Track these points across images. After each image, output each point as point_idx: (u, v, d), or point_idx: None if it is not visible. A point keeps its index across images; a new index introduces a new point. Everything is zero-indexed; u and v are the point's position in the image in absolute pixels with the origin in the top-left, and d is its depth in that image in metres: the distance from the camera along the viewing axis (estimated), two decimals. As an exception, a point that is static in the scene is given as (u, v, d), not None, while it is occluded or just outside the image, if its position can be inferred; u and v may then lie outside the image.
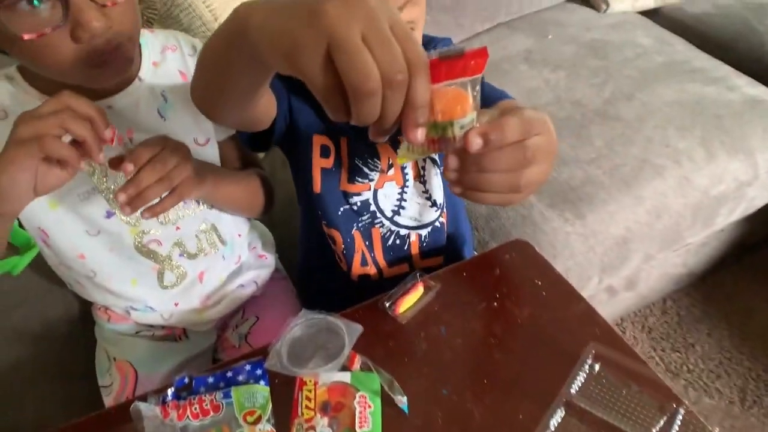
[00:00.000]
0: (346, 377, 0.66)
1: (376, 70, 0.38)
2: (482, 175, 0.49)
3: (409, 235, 0.88)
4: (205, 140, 0.86)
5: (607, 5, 1.78)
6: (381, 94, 0.39)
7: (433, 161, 0.85)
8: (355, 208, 0.85)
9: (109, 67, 0.68)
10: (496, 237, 1.15)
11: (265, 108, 0.71)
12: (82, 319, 1.03)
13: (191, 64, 0.83)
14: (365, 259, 0.88)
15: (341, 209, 0.85)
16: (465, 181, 0.50)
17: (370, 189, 0.84)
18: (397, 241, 0.88)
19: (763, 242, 1.74)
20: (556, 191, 1.17)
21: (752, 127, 1.35)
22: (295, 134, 0.81)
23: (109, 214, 0.81)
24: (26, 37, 0.60)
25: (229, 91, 0.56)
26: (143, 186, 0.65)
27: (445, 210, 0.88)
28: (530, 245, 0.83)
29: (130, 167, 0.65)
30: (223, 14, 1.14)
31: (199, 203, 0.88)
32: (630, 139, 1.27)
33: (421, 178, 0.86)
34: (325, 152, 0.82)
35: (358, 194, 0.85)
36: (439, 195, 0.87)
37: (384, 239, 0.88)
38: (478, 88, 0.48)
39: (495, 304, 0.75)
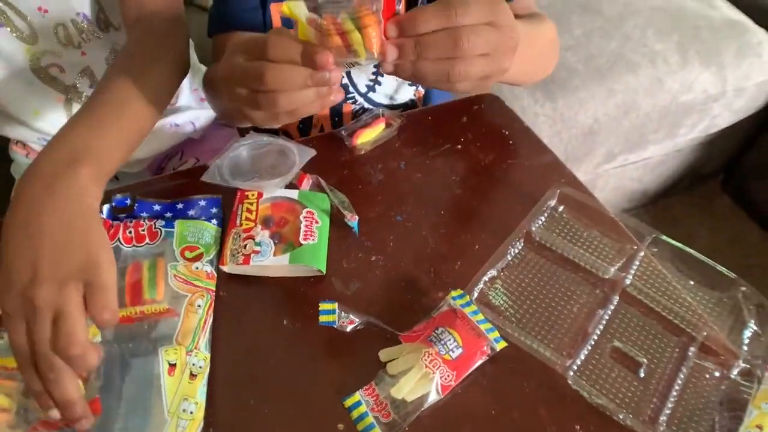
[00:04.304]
0: (293, 194, 0.61)
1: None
2: (414, 62, 0.46)
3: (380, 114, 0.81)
4: None
5: None
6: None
7: None
8: None
9: None
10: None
11: None
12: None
13: None
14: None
15: None
16: (400, 69, 0.47)
17: None
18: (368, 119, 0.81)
19: (714, 175, 1.78)
20: (528, 75, 1.12)
21: (727, 44, 1.33)
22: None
23: None
24: None
25: None
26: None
27: (420, 87, 0.81)
28: (500, 99, 0.78)
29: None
30: None
31: (106, 27, 0.76)
32: (609, 33, 1.22)
33: None
34: (287, 24, 0.71)
35: None
36: None
37: (355, 117, 0.80)
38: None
39: (459, 146, 0.70)
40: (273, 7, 0.72)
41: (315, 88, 0.46)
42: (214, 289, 0.55)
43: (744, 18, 1.41)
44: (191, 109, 0.90)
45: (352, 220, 0.58)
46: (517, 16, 0.50)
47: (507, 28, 0.46)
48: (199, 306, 0.52)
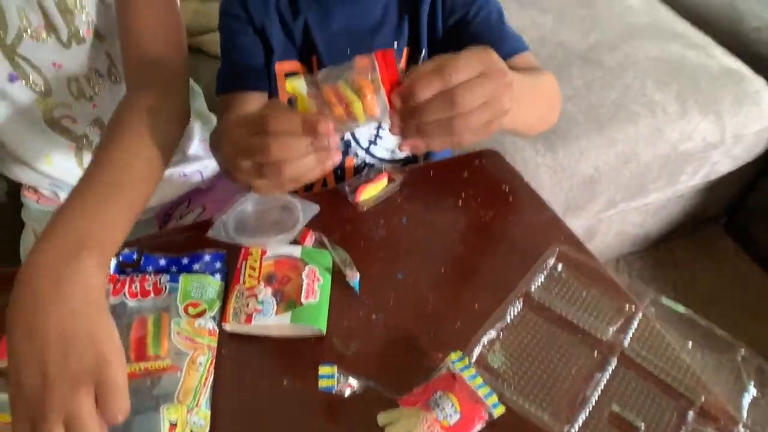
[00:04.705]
0: (296, 251, 0.62)
1: None
2: (418, 125, 0.49)
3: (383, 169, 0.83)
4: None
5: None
6: None
7: None
8: None
9: None
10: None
11: None
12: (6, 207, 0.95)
13: None
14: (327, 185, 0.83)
15: None
16: (406, 133, 0.50)
17: None
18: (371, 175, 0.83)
19: (715, 218, 1.78)
20: (530, 124, 1.15)
21: (725, 92, 1.35)
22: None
23: (12, 78, 0.71)
24: None
25: None
26: None
27: None
28: (500, 155, 0.80)
29: None
30: None
31: (117, 80, 0.78)
32: (609, 84, 1.24)
33: None
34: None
35: None
36: None
37: (357, 172, 0.82)
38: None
39: (460, 202, 0.71)
40: (278, 67, 0.75)
41: (315, 155, 0.49)
42: (215, 346, 0.55)
43: (742, 66, 1.44)
44: (200, 159, 0.92)
45: (353, 278, 0.59)
46: (517, 70, 0.52)
47: (498, 72, 0.49)
48: (200, 363, 0.53)
